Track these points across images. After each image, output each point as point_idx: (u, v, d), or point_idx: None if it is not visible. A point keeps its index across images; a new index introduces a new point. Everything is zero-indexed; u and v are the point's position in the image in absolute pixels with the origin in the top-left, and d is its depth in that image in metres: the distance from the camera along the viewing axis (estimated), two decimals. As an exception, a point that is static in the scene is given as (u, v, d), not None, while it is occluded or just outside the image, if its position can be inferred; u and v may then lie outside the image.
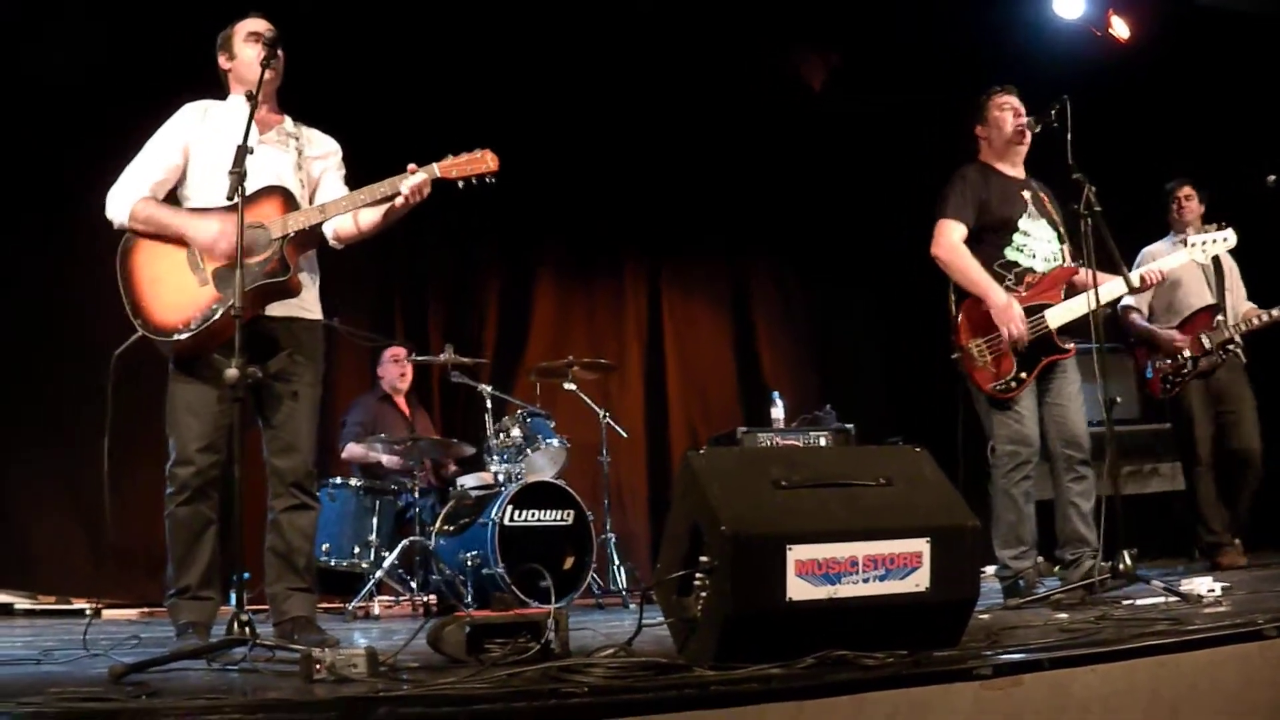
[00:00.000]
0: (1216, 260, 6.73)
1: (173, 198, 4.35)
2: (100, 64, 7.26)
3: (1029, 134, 5.44)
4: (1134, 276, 5.27)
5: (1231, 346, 6.73)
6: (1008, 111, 5.49)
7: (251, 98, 4.06)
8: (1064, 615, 4.17)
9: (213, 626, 4.17)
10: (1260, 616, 3.38)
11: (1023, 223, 5.37)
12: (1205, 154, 7.61)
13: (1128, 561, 4.71)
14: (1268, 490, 6.74)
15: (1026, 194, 5.44)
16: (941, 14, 8.43)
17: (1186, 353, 6.70)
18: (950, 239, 5.34)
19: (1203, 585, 4.45)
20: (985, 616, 4.27)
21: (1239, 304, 6.89)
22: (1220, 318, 6.73)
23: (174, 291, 4.13)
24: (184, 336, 4.07)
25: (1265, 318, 6.64)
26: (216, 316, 4.05)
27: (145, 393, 4.39)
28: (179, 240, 4.18)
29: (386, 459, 7.50)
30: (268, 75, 4.19)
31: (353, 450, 7.58)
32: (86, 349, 4.88)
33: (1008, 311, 5.16)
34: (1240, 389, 6.79)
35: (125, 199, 4.23)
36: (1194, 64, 8.51)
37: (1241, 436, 6.72)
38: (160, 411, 4.24)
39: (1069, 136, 5.13)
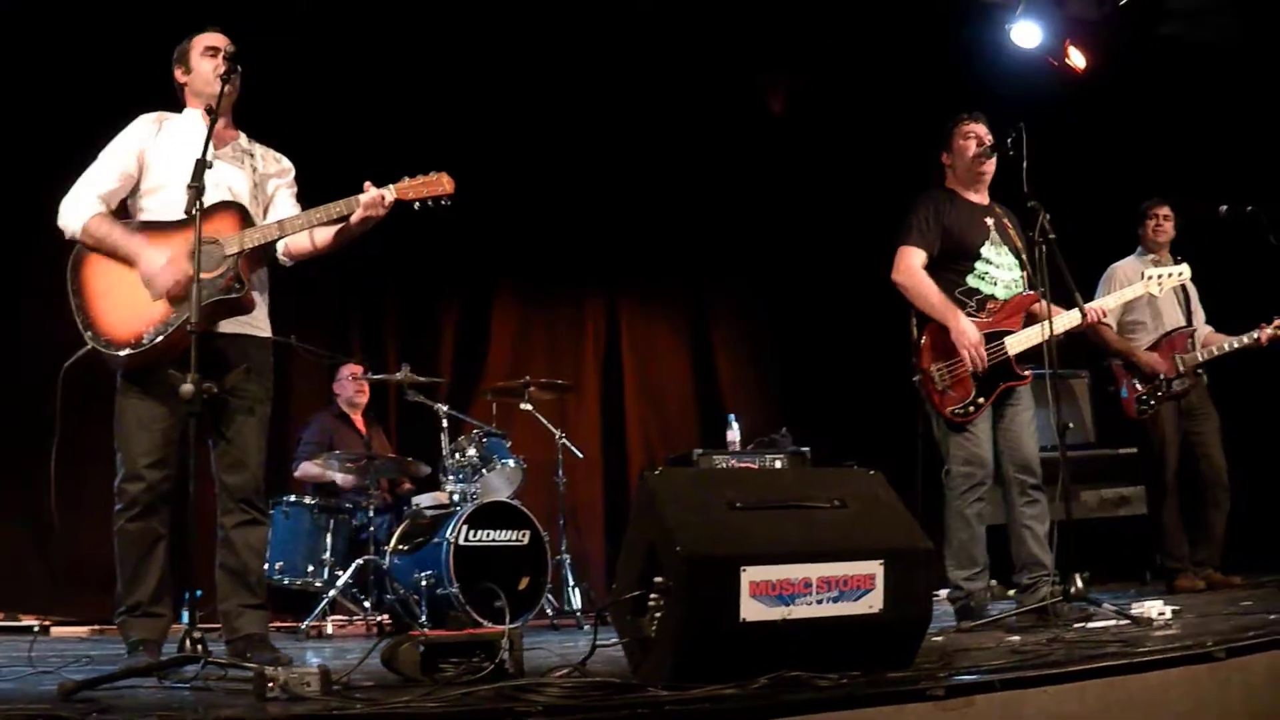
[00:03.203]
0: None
1: (125, 207, 4.33)
2: (51, 75, 7.21)
3: (990, 161, 5.48)
4: (1080, 312, 5.33)
5: (1199, 370, 6.80)
6: (971, 139, 5.52)
7: (211, 112, 4.06)
8: (1016, 637, 4.20)
9: (164, 644, 4.13)
10: (1209, 639, 3.42)
11: (985, 250, 5.40)
12: (1167, 181, 7.70)
13: (1080, 584, 4.74)
14: (1238, 513, 6.79)
15: (989, 220, 5.48)
16: (906, 39, 8.52)
17: (1162, 374, 6.74)
18: (911, 265, 5.37)
19: (1154, 608, 4.49)
20: (939, 638, 4.29)
21: (1200, 327, 6.96)
22: (1192, 339, 6.79)
23: (126, 305, 4.10)
24: (136, 351, 4.04)
25: (1229, 346, 6.69)
26: (169, 331, 4.02)
27: (97, 406, 4.35)
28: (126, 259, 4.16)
29: (341, 477, 7.45)
30: (226, 90, 4.18)
31: (307, 469, 7.52)
32: (35, 361, 4.82)
33: (969, 335, 5.20)
34: (1206, 409, 6.86)
35: (78, 211, 4.20)
36: (1157, 92, 8.65)
37: (1209, 456, 6.78)
38: (111, 425, 4.21)
39: (1024, 164, 5.17)
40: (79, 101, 6.86)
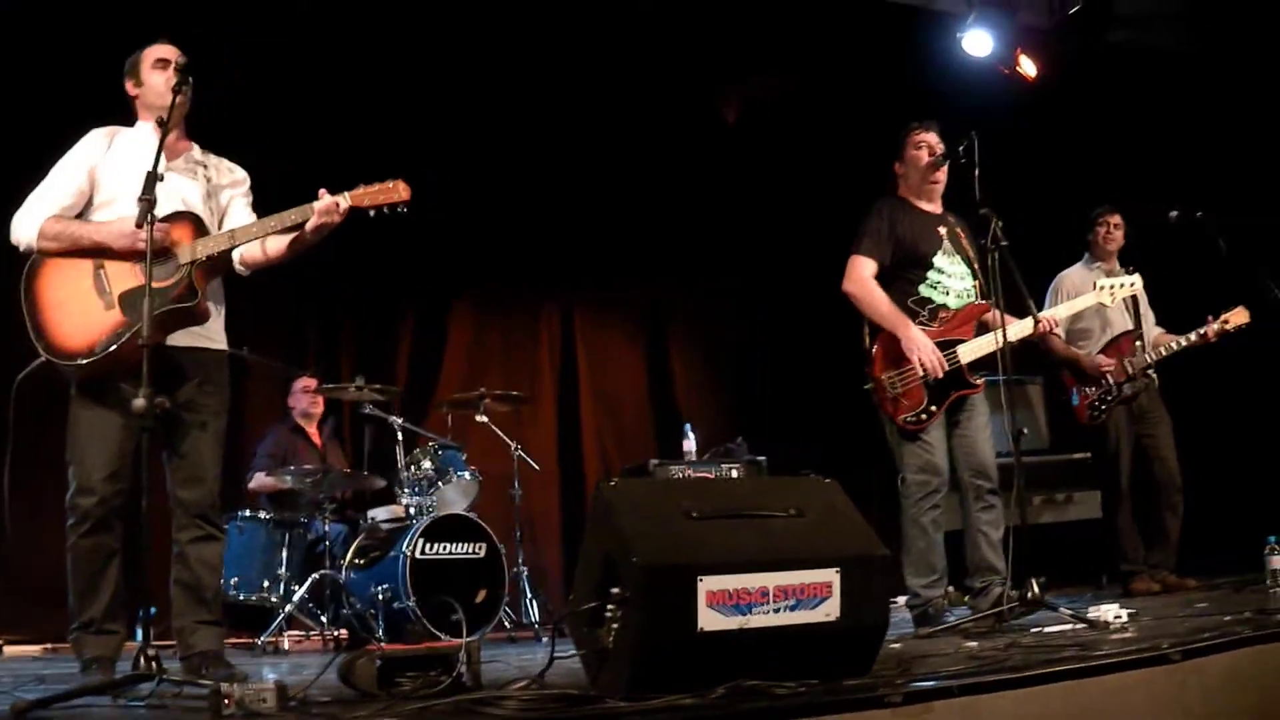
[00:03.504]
0: None
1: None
2: (18, 81, 7.13)
3: (942, 170, 5.51)
4: (1033, 321, 5.35)
5: (1150, 371, 6.84)
6: (923, 149, 5.55)
7: (162, 124, 4.03)
8: (974, 643, 4.21)
9: (118, 661, 4.09)
10: (1165, 641, 3.44)
11: (937, 259, 5.42)
12: (1118, 187, 7.77)
13: (1036, 589, 4.76)
14: (1191, 515, 6.83)
15: (942, 230, 5.50)
16: (859, 48, 8.56)
17: (1111, 378, 6.78)
18: (861, 274, 5.38)
19: (1110, 612, 4.52)
20: (896, 645, 4.30)
21: (1150, 329, 7.00)
22: (1139, 343, 6.82)
23: (78, 314, 4.07)
24: (88, 361, 4.00)
25: (1177, 344, 6.73)
26: (122, 340, 3.98)
27: (51, 419, 4.31)
28: (92, 251, 4.12)
29: (297, 489, 7.40)
30: (177, 101, 4.14)
31: (261, 480, 7.48)
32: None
33: (918, 342, 5.21)
34: (1158, 411, 6.90)
35: (33, 219, 4.17)
36: (1108, 99, 8.73)
37: (1162, 459, 6.82)
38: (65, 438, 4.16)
39: (976, 172, 5.19)
40: (42, 113, 6.76)
